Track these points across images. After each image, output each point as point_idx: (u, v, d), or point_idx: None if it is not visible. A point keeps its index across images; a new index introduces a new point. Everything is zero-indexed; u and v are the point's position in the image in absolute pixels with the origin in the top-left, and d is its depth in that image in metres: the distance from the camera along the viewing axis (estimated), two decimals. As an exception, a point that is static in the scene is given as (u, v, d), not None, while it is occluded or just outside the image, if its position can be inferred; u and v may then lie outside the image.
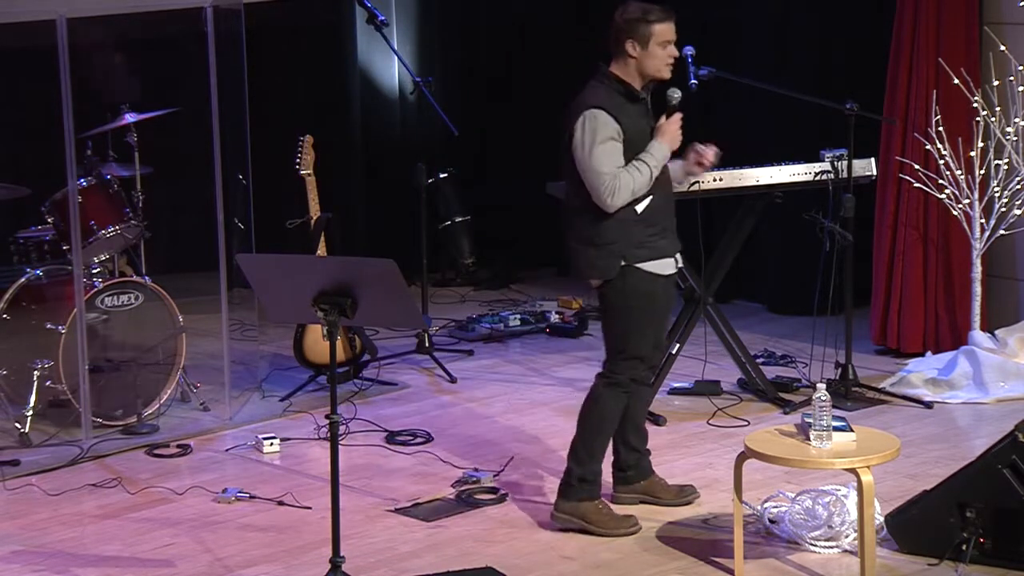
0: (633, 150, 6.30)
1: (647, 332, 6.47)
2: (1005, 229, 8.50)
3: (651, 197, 6.35)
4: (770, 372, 8.44)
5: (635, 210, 6.33)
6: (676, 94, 6.45)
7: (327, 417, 5.82)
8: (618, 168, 6.25)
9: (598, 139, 6.25)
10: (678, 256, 6.54)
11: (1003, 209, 8.49)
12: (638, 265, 6.36)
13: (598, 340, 7.42)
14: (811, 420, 5.86)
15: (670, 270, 6.47)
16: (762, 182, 8.07)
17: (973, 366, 8.22)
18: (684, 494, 6.71)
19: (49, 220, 8.06)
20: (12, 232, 8.35)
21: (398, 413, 8.13)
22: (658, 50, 6.33)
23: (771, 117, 9.65)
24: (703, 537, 6.45)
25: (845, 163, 8.00)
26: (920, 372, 8.31)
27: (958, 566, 5.99)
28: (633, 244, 6.34)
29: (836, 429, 5.87)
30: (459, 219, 10.64)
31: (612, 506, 6.57)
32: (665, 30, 6.33)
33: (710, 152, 6.52)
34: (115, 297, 7.91)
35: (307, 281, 5.62)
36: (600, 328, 6.61)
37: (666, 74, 6.38)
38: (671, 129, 6.39)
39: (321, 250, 8.38)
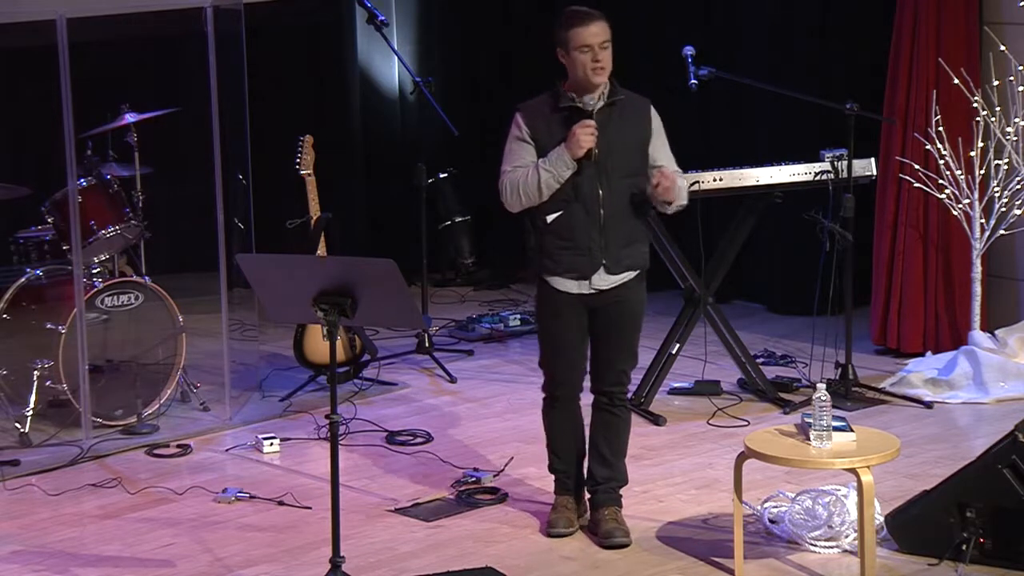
0: (544, 156, 6.24)
1: (552, 347, 6.39)
2: (1005, 229, 8.50)
3: (561, 212, 6.22)
4: (770, 372, 8.44)
5: (545, 219, 6.26)
6: (592, 102, 6.21)
7: (327, 417, 5.82)
8: (514, 167, 6.24)
9: (509, 139, 6.29)
10: (599, 279, 6.25)
11: (1003, 209, 8.49)
12: (544, 276, 6.32)
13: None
14: (811, 420, 5.86)
15: (575, 289, 6.26)
16: (762, 182, 8.07)
17: (973, 366, 8.22)
18: (609, 535, 6.39)
19: (49, 220, 8.06)
20: (12, 232, 8.35)
21: (398, 413, 8.13)
22: (578, 55, 6.14)
23: (771, 117, 9.65)
24: (703, 537, 6.45)
25: (845, 163, 8.01)
26: (920, 372, 8.31)
27: (958, 566, 5.99)
28: (544, 253, 6.29)
29: (836, 429, 5.87)
30: (459, 219, 10.65)
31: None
32: (582, 34, 6.14)
33: (664, 177, 6.22)
34: (115, 297, 7.91)
35: (307, 281, 5.62)
36: None
37: (595, 79, 6.16)
38: (574, 135, 6.14)
39: (321, 250, 8.38)
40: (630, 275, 6.31)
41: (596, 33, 6.16)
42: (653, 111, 6.37)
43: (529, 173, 6.20)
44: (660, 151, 6.36)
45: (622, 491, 6.52)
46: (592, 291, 6.27)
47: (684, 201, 6.40)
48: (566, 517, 6.47)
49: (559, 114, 6.24)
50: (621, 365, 6.41)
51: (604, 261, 6.25)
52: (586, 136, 6.14)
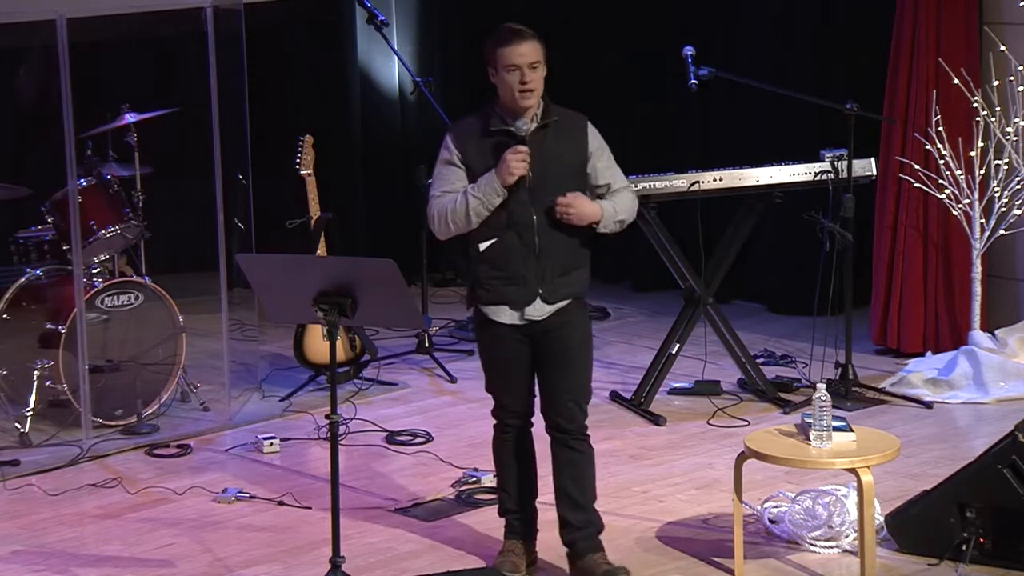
0: (474, 180, 5.90)
1: (492, 374, 6.10)
2: (1005, 229, 8.50)
3: (495, 240, 5.86)
4: (770, 372, 8.44)
5: (478, 247, 5.90)
6: (524, 126, 5.82)
7: (327, 417, 5.82)
8: (442, 192, 5.95)
9: (439, 161, 5.98)
10: (534, 310, 5.89)
11: (1003, 209, 8.49)
12: (478, 305, 6.01)
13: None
14: (811, 420, 5.86)
15: (508, 319, 5.92)
16: (762, 182, 8.07)
17: (973, 366, 8.22)
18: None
19: (49, 220, 8.07)
20: (12, 232, 8.35)
21: (398, 413, 8.13)
22: (505, 75, 5.83)
23: (771, 117, 9.65)
24: (703, 537, 6.45)
25: (845, 163, 8.01)
26: (920, 372, 8.31)
27: (958, 566, 5.99)
28: (477, 282, 5.94)
29: (836, 429, 5.87)
30: (459, 219, 10.63)
31: None
32: (510, 54, 5.83)
33: (563, 200, 5.82)
34: (115, 297, 7.91)
35: (307, 281, 5.62)
36: None
37: (523, 102, 5.81)
38: (505, 162, 5.77)
39: (321, 250, 8.38)
40: (567, 302, 5.98)
41: (525, 53, 5.85)
42: (591, 128, 5.98)
43: (458, 200, 5.84)
44: (604, 170, 5.98)
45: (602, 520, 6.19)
46: (525, 322, 5.95)
47: (625, 218, 5.99)
48: (511, 562, 6.12)
49: (490, 138, 5.87)
50: (570, 396, 6.02)
51: (540, 291, 5.89)
52: (517, 163, 5.76)
